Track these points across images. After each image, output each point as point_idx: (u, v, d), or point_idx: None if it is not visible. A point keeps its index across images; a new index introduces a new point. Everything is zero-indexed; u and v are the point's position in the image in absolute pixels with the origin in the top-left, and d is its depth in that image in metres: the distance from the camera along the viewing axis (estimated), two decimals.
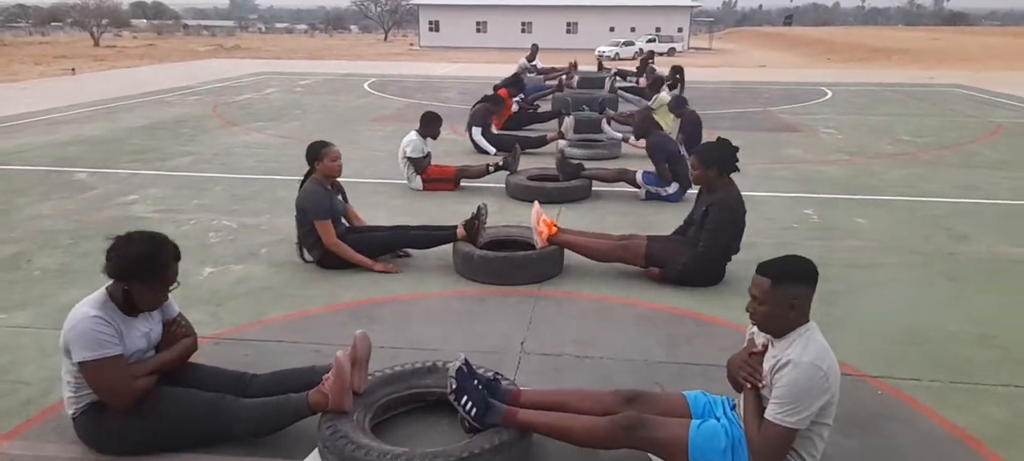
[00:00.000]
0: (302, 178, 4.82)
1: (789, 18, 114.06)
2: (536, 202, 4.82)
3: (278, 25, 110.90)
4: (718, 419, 2.64)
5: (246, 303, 4.30)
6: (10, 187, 7.07)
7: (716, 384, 3.29)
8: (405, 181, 7.05)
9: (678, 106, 8.59)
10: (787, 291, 2.38)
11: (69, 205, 6.44)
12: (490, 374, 2.87)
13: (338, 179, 4.94)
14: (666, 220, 5.90)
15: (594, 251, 4.67)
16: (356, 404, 2.84)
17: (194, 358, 3.18)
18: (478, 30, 55.27)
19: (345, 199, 5.07)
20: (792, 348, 2.37)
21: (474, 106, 9.28)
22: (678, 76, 12.63)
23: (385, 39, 66.44)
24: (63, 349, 2.66)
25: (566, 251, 4.75)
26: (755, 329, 2.56)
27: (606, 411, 2.70)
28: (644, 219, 6.02)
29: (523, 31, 52.74)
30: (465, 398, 2.65)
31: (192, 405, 2.80)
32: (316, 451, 2.75)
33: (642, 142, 8.72)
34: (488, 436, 2.61)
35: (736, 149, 4.43)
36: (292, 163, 8.32)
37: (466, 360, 2.77)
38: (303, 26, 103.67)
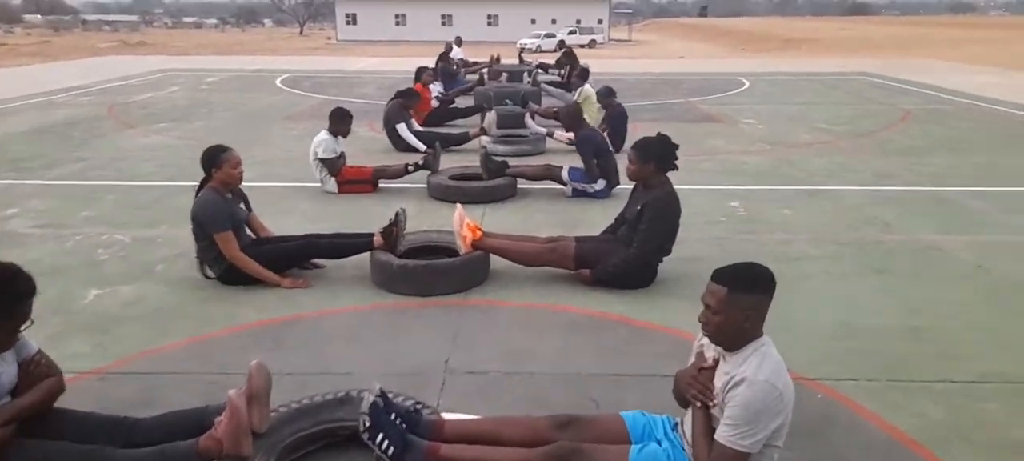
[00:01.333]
0: (198, 186, 4.37)
1: (704, 9, 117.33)
2: (458, 205, 4.54)
3: (186, 19, 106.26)
4: (659, 442, 2.43)
5: (136, 329, 3.84)
6: None
7: (652, 396, 3.11)
8: (318, 184, 6.62)
9: (606, 97, 8.46)
10: (744, 300, 2.16)
11: None
12: (409, 404, 2.57)
13: (240, 186, 4.51)
14: (594, 218, 5.73)
15: (521, 255, 4.43)
16: (257, 446, 2.49)
17: (64, 401, 2.75)
18: (397, 23, 54.31)
19: (248, 207, 4.64)
20: (746, 364, 2.16)
21: (389, 102, 8.89)
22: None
23: (301, 33, 64.51)
24: None
25: (492, 255, 4.49)
26: (705, 341, 2.35)
27: (538, 439, 2.44)
28: (571, 217, 5.82)
29: (443, 24, 52.12)
30: (380, 436, 2.35)
31: (61, 460, 2.39)
32: None
33: (566, 136, 8.59)
34: None
35: (676, 146, 4.25)
36: (195, 167, 7.58)
37: (381, 391, 2.47)
38: (213, 20, 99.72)
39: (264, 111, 12.26)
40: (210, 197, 4.27)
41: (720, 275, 2.19)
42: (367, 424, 2.35)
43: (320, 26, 74.92)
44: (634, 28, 71.88)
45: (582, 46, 45.31)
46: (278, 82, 17.32)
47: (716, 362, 2.29)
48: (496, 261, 4.53)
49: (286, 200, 6.38)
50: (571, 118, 6.77)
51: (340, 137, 6.57)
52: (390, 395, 2.55)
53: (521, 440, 2.46)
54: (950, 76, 18.21)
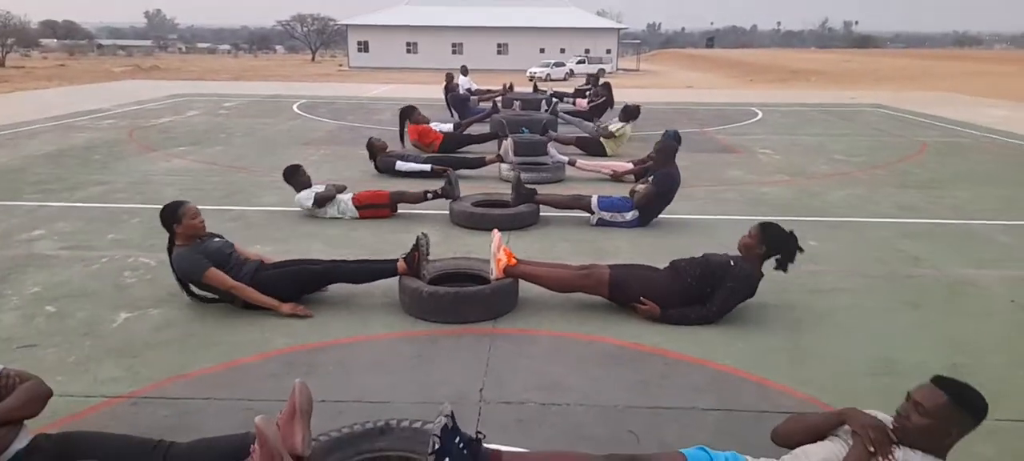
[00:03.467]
0: (168, 247, 4.38)
1: (711, 40, 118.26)
2: (496, 230, 4.52)
3: (200, 45, 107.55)
4: None
5: (167, 353, 3.82)
6: None
7: (691, 430, 3.09)
8: (339, 216, 6.59)
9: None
10: (959, 418, 2.26)
11: None
12: (472, 434, 2.51)
13: (204, 231, 4.46)
14: (620, 246, 5.74)
15: (553, 282, 4.39)
16: None
17: (105, 425, 2.74)
18: (408, 51, 54.85)
19: (222, 239, 4.60)
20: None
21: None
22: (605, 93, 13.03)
23: (313, 60, 65.25)
24: None
25: (521, 283, 4.46)
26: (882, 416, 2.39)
27: None
28: (597, 245, 5.79)
29: (454, 52, 52.63)
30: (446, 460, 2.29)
31: None
32: None
33: (587, 164, 8.59)
34: None
35: (800, 249, 4.21)
36: (216, 190, 7.79)
37: (452, 414, 2.41)
38: (226, 46, 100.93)
39: (282, 136, 12.33)
40: (182, 252, 4.31)
41: (945, 383, 2.28)
42: (436, 446, 2.30)
43: (331, 53, 75.74)
44: (642, 58, 72.38)
45: (590, 75, 45.64)
46: (295, 107, 17.44)
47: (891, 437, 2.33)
48: (526, 289, 4.50)
49: (309, 225, 6.38)
50: (664, 153, 6.45)
51: (313, 188, 6.59)
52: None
53: None
54: (963, 109, 18.19)
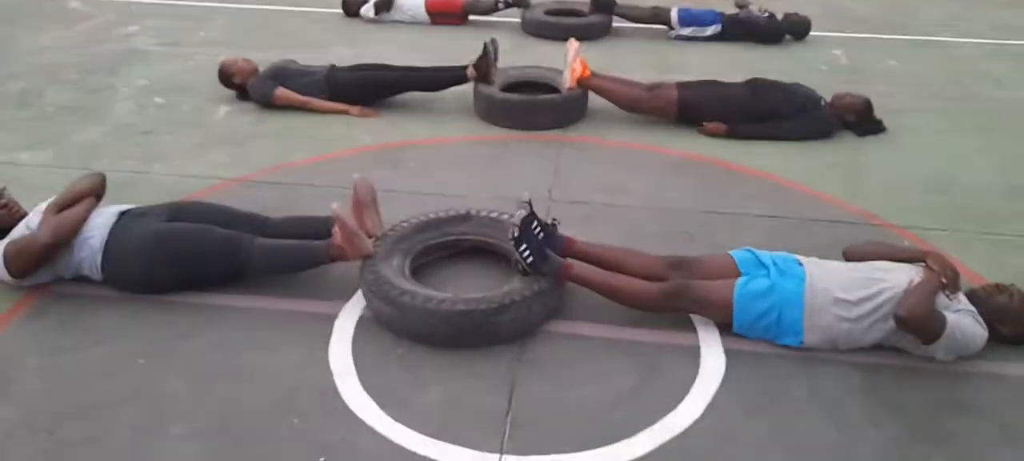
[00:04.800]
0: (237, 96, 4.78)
1: None
2: (573, 40, 4.62)
3: None
4: (765, 275, 2.63)
5: (267, 144, 4.25)
6: (2, 15, 6.76)
7: (742, 232, 3.35)
8: (407, 21, 6.69)
9: None
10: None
11: (69, 36, 6.19)
12: (549, 220, 2.84)
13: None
14: (689, 61, 5.73)
15: (623, 99, 4.51)
16: (394, 247, 2.87)
17: (223, 202, 3.19)
18: None
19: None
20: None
21: None
22: None
23: None
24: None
25: (591, 95, 4.63)
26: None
27: (653, 274, 2.73)
28: (666, 60, 5.81)
29: None
30: (524, 246, 2.62)
31: (210, 242, 2.84)
32: (358, 293, 2.83)
33: None
34: (527, 282, 2.66)
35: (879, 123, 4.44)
36: None
37: (530, 202, 2.71)
38: None
39: None
40: (251, 85, 4.66)
41: None
42: (516, 233, 2.61)
43: None
44: None
45: None
46: None
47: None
48: (593, 101, 4.67)
49: (383, 30, 6.54)
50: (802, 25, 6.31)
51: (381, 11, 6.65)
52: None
53: (639, 272, 2.74)
54: None
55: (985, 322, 2.51)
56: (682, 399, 2.41)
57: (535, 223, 2.68)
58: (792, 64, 5.60)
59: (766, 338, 2.60)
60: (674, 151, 4.21)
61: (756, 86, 4.46)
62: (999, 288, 2.60)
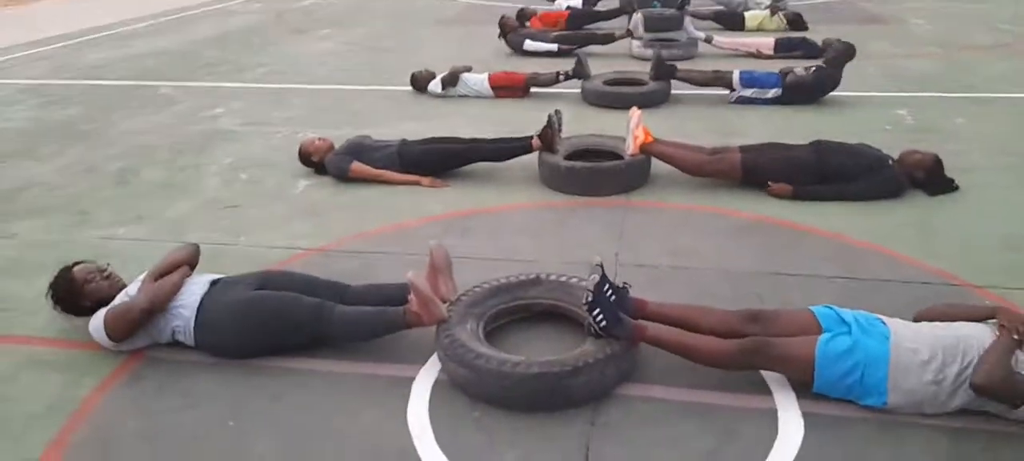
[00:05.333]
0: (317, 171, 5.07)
1: None
2: (635, 108, 4.75)
3: None
4: (847, 333, 2.59)
5: (345, 215, 4.45)
6: (100, 102, 7.34)
7: (814, 294, 3.31)
8: (471, 95, 6.98)
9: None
10: None
11: (160, 119, 6.67)
12: (621, 284, 2.90)
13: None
14: (751, 126, 5.76)
15: (686, 164, 4.59)
16: (468, 311, 2.97)
17: (300, 267, 3.37)
18: None
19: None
20: None
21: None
22: None
23: None
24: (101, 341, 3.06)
25: (654, 161, 4.71)
26: None
27: (730, 330, 2.73)
28: (728, 124, 5.87)
29: None
30: (597, 310, 2.68)
31: (295, 310, 2.99)
32: (434, 357, 2.92)
33: (726, 41, 8.37)
34: (600, 345, 2.71)
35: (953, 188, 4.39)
36: (362, 72, 8.37)
37: (602, 265, 2.77)
38: None
39: (418, 15, 12.71)
40: (330, 160, 4.94)
41: None
42: (590, 298, 2.68)
43: None
44: None
45: None
46: None
47: None
48: (656, 167, 4.75)
49: (449, 104, 6.82)
50: (839, 59, 6.46)
51: (438, 76, 7.00)
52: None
53: (714, 329, 2.76)
54: None
55: None
56: None
57: (607, 286, 2.74)
58: (856, 125, 5.59)
59: (848, 398, 2.56)
60: (740, 213, 4.24)
61: (821, 148, 4.47)
62: None
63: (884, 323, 2.63)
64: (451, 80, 6.95)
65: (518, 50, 8.76)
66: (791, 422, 2.55)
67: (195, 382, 2.92)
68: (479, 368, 2.67)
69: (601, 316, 2.66)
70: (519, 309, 3.16)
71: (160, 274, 3.12)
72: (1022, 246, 3.72)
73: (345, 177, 4.88)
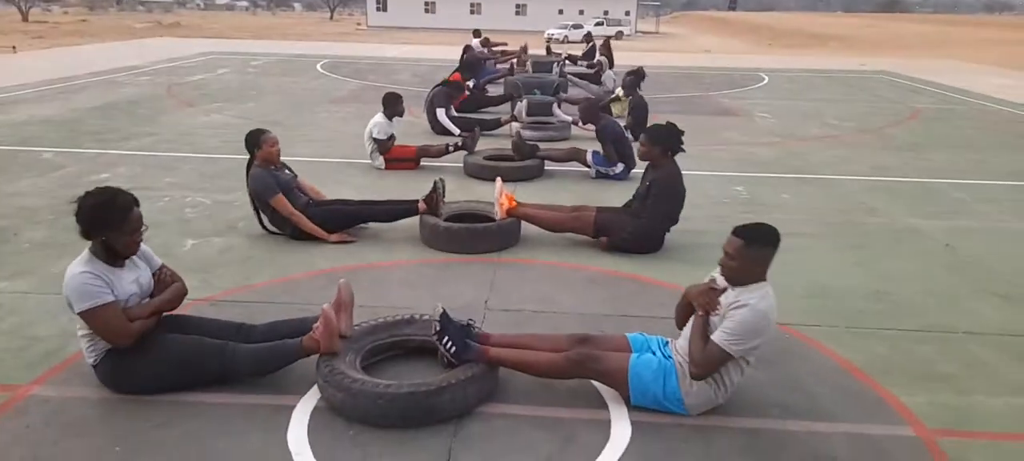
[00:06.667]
0: (246, 166, 5.21)
1: (734, 3, 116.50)
2: (499, 178, 5.32)
3: (218, 1, 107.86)
4: (653, 353, 3.20)
5: (232, 270, 4.69)
6: None
7: (651, 330, 3.85)
8: (368, 160, 7.44)
9: (631, 88, 9.20)
10: (756, 252, 2.95)
11: (44, 183, 6.65)
12: (465, 320, 3.35)
13: (279, 159, 5.26)
14: (613, 196, 6.47)
15: (548, 222, 5.20)
16: (347, 347, 3.31)
17: (197, 313, 3.60)
18: (427, 10, 55.10)
19: (292, 172, 5.42)
20: (752, 295, 2.93)
21: (433, 89, 9.68)
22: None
23: (331, 18, 65.55)
24: (66, 304, 3.04)
25: (524, 223, 5.27)
26: (717, 276, 3.09)
27: (561, 349, 3.23)
28: (594, 195, 6.57)
29: (472, 12, 52.89)
30: (446, 338, 3.15)
31: (200, 350, 3.22)
32: (315, 386, 3.23)
33: (590, 125, 9.27)
34: (463, 370, 3.12)
35: (681, 132, 5.00)
36: None
37: (444, 309, 3.26)
38: (244, 3, 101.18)
39: (309, 94, 13.12)
40: (258, 172, 5.13)
41: (738, 230, 2.98)
42: (437, 328, 3.14)
43: (349, 11, 75.93)
44: (662, 21, 72.00)
45: (609, 38, 45.76)
46: (319, 67, 18.21)
47: (724, 288, 3.03)
48: (527, 229, 5.31)
49: (339, 174, 7.20)
50: (588, 112, 7.47)
51: (395, 119, 7.38)
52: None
53: (548, 349, 3.25)
54: (967, 77, 18.58)
55: (755, 277, 2.93)
56: None
57: (453, 323, 3.20)
58: (700, 197, 6.41)
59: (659, 408, 3.09)
60: (596, 268, 4.83)
61: (634, 208, 5.18)
62: (725, 253, 2.98)
63: (669, 343, 3.21)
64: (386, 147, 7.34)
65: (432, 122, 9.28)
66: (622, 428, 3.03)
67: (83, 414, 3.07)
68: (355, 391, 3.01)
69: (450, 343, 3.12)
70: (395, 345, 3.53)
71: (158, 310, 3.23)
72: (819, 293, 4.49)
73: (264, 197, 5.07)
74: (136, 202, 3.17)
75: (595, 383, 3.26)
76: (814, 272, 4.84)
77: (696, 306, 3.07)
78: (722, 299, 3.00)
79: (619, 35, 47.53)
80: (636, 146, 5.45)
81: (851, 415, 3.15)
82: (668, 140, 4.94)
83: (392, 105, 7.35)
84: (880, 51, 31.82)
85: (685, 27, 72.69)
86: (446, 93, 9.44)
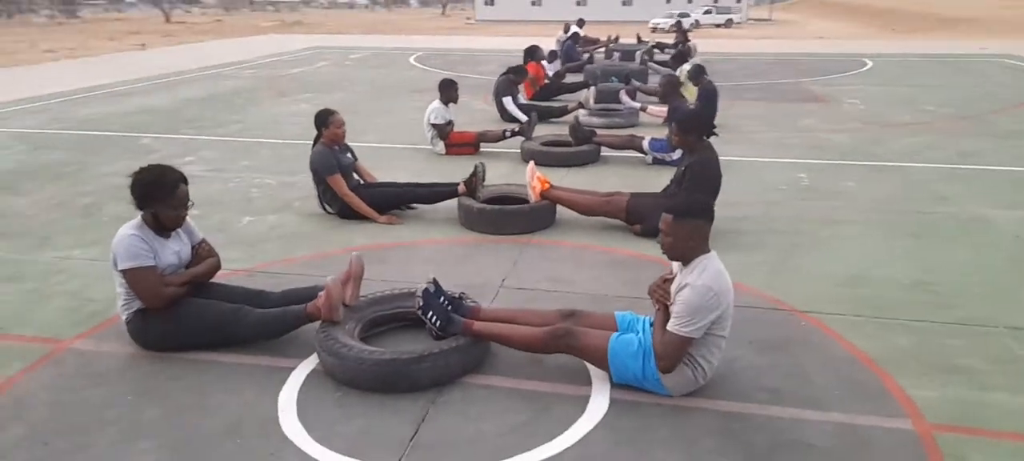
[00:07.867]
0: (313, 142, 5.47)
1: None
2: (531, 162, 5.36)
3: (340, 0, 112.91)
4: (637, 333, 3.17)
5: (277, 245, 5.00)
6: (85, 150, 8.00)
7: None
8: (430, 147, 7.66)
9: (696, 76, 8.96)
10: (686, 224, 2.89)
11: (136, 165, 7.20)
12: (456, 293, 3.44)
13: (344, 141, 5.51)
14: (665, 183, 6.33)
15: (581, 205, 5.19)
16: (349, 316, 3.47)
17: (237, 283, 3.88)
18: (533, 3, 55.35)
19: (354, 156, 5.66)
20: (692, 274, 2.89)
21: (499, 77, 9.80)
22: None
23: (443, 13, 67.22)
24: (112, 262, 3.37)
25: (559, 207, 5.29)
26: (674, 267, 3.08)
27: (547, 323, 3.25)
28: (645, 182, 6.45)
29: (578, 3, 52.57)
30: (430, 313, 3.25)
31: (213, 313, 3.48)
32: (315, 354, 3.42)
33: (660, 111, 9.13)
34: (448, 341, 3.22)
35: (713, 116, 4.87)
36: None
37: (434, 281, 3.35)
38: (365, 0, 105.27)
39: (396, 85, 13.60)
40: (321, 150, 5.37)
41: (669, 207, 2.94)
42: (420, 304, 3.25)
43: (462, 7, 77.52)
44: (777, 7, 68.83)
45: (718, 26, 44.35)
46: (412, 59, 18.79)
47: (674, 275, 3.00)
48: (562, 211, 5.32)
49: (401, 159, 7.46)
50: (665, 89, 7.43)
51: (451, 105, 7.56)
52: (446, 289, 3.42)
53: (536, 323, 3.28)
54: None
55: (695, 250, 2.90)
56: (563, 433, 2.86)
57: (442, 297, 3.28)
58: (756, 184, 6.18)
59: (640, 387, 3.05)
60: (621, 251, 4.78)
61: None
62: (661, 232, 2.97)
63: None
64: (445, 132, 7.56)
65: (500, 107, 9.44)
66: (600, 403, 3.02)
67: (108, 367, 3.40)
68: (343, 355, 3.16)
69: (433, 317, 3.21)
70: (396, 316, 3.67)
71: (192, 280, 3.53)
72: (854, 283, 4.24)
73: (322, 174, 5.33)
74: (184, 180, 3.47)
75: (586, 362, 3.26)
76: (856, 261, 4.57)
77: (652, 300, 3.05)
78: (673, 287, 2.96)
79: (729, 22, 45.91)
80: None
81: (846, 405, 2.98)
82: (699, 126, 4.82)
83: (447, 91, 7.52)
84: (1015, 34, 29.05)
85: (802, 13, 69.12)
86: (508, 81, 9.51)
